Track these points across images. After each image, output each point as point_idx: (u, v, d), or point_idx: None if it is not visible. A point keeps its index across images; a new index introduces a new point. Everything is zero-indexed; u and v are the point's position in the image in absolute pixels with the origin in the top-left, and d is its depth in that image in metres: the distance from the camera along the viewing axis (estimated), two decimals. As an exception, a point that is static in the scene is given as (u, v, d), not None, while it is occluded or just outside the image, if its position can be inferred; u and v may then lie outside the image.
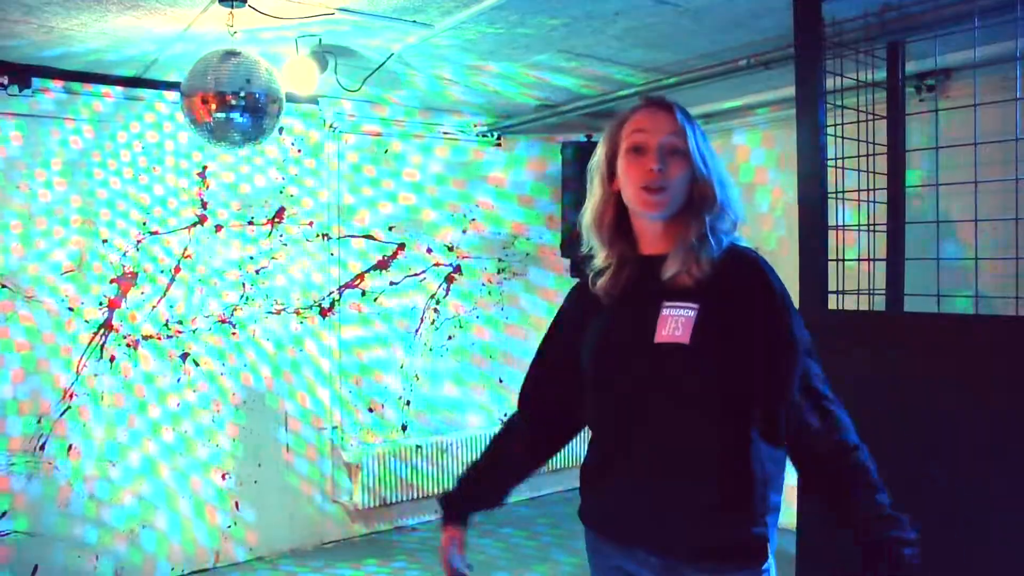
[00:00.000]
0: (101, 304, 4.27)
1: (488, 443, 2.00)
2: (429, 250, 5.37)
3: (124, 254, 4.32)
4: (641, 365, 1.63)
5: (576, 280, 1.91)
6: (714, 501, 1.58)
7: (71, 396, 4.17)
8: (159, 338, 4.44)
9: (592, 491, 1.77)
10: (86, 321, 4.22)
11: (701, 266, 1.61)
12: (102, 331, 4.27)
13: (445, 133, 5.42)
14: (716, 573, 1.58)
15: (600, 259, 1.77)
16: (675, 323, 1.59)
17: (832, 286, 2.96)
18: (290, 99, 4.36)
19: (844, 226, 3.03)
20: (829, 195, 2.94)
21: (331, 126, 4.97)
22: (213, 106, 2.99)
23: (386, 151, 5.20)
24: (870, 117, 3.14)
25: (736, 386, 1.58)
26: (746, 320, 1.58)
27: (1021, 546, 2.37)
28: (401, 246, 5.26)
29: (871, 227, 3.15)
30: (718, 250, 1.63)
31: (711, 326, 1.57)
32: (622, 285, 1.71)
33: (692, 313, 1.58)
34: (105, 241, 4.27)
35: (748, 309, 1.59)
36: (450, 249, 5.45)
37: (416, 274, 5.32)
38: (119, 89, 4.27)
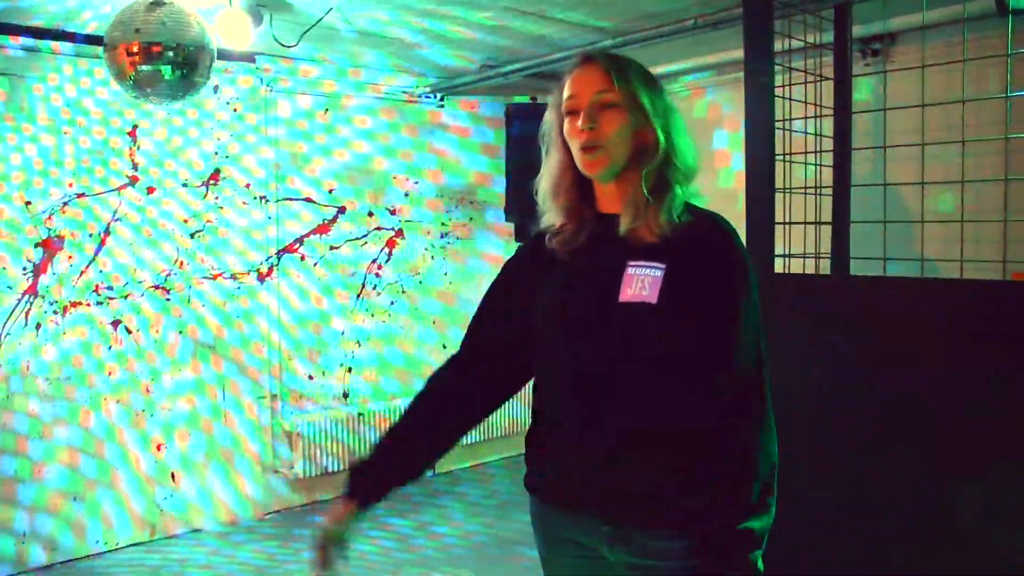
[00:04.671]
0: (25, 270, 4.08)
1: (415, 405, 1.79)
2: (370, 213, 5.25)
3: (49, 217, 4.13)
4: (604, 325, 1.57)
5: (523, 241, 1.82)
6: (673, 468, 1.54)
7: (-6, 366, 3.99)
8: (88, 305, 4.26)
9: (543, 458, 1.70)
10: (9, 287, 4.03)
11: (658, 220, 1.55)
12: (27, 298, 4.08)
13: (387, 94, 5.28)
14: (672, 540, 1.54)
15: (551, 220, 1.70)
16: (641, 282, 1.53)
17: (778, 249, 2.95)
18: (225, 56, 4.21)
19: (791, 189, 3.01)
20: (776, 157, 2.92)
21: (269, 85, 4.80)
22: (139, 59, 2.83)
23: (326, 111, 5.05)
24: (818, 78, 3.12)
25: (698, 351, 1.53)
26: (707, 285, 1.54)
27: (965, 506, 2.39)
28: (342, 209, 5.13)
29: (817, 190, 3.14)
30: (676, 207, 1.57)
31: (677, 288, 1.52)
32: (581, 243, 1.65)
33: (659, 273, 1.52)
34: (28, 203, 4.07)
35: (711, 274, 1.54)
36: (392, 212, 5.34)
37: (357, 238, 5.20)
38: (43, 42, 4.04)
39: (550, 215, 1.70)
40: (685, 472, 1.54)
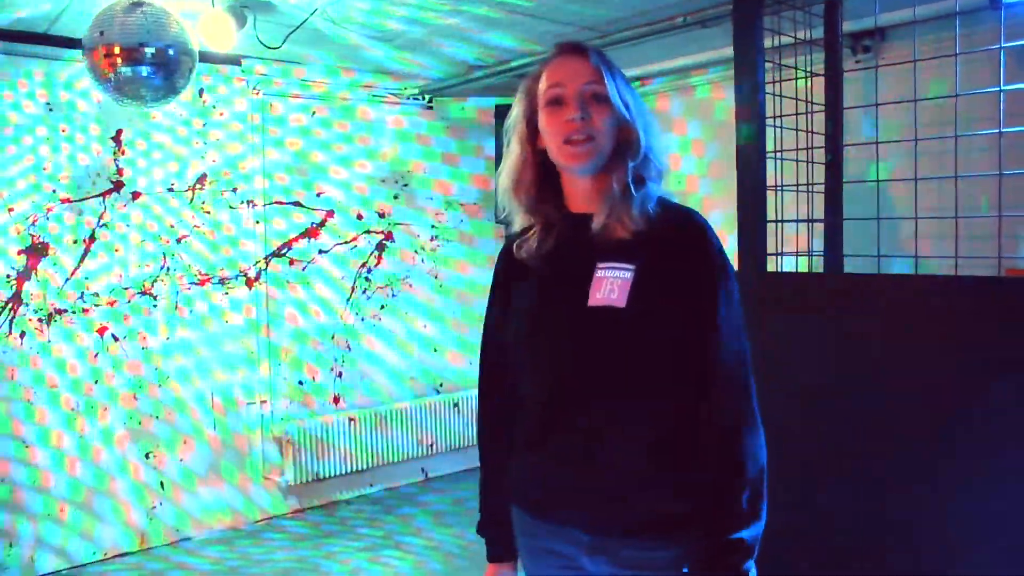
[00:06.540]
0: (9, 277, 4.02)
1: (483, 448, 1.79)
2: (360, 216, 5.20)
3: (32, 224, 4.07)
4: (574, 331, 1.53)
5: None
6: (652, 474, 1.50)
7: (-22, 375, 3.94)
8: (74, 312, 4.21)
9: (522, 467, 1.66)
10: (-8, 295, 3.98)
11: (632, 217, 1.51)
12: (10, 306, 4.03)
13: (374, 95, 5.24)
14: (650, 550, 1.50)
15: (519, 223, 1.66)
16: (610, 285, 1.49)
17: (770, 248, 2.92)
18: (211, 59, 4.17)
19: (783, 186, 2.98)
20: (768, 155, 2.89)
21: (255, 88, 4.76)
22: (119, 60, 2.78)
23: (313, 114, 5.01)
24: (808, 75, 3.09)
25: (675, 352, 1.50)
26: (682, 283, 1.50)
27: (964, 503, 2.36)
28: (330, 212, 5.08)
29: (809, 187, 3.11)
30: (649, 201, 1.53)
31: (648, 289, 1.48)
32: (551, 247, 1.60)
33: (628, 275, 1.49)
34: (11, 211, 4.01)
35: (685, 271, 1.50)
36: (381, 215, 5.30)
37: (347, 241, 5.16)
38: (24, 46, 3.99)
39: (512, 214, 1.66)
40: (667, 479, 1.50)
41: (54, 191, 4.13)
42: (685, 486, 1.49)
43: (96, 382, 4.27)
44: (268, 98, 4.82)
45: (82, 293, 4.23)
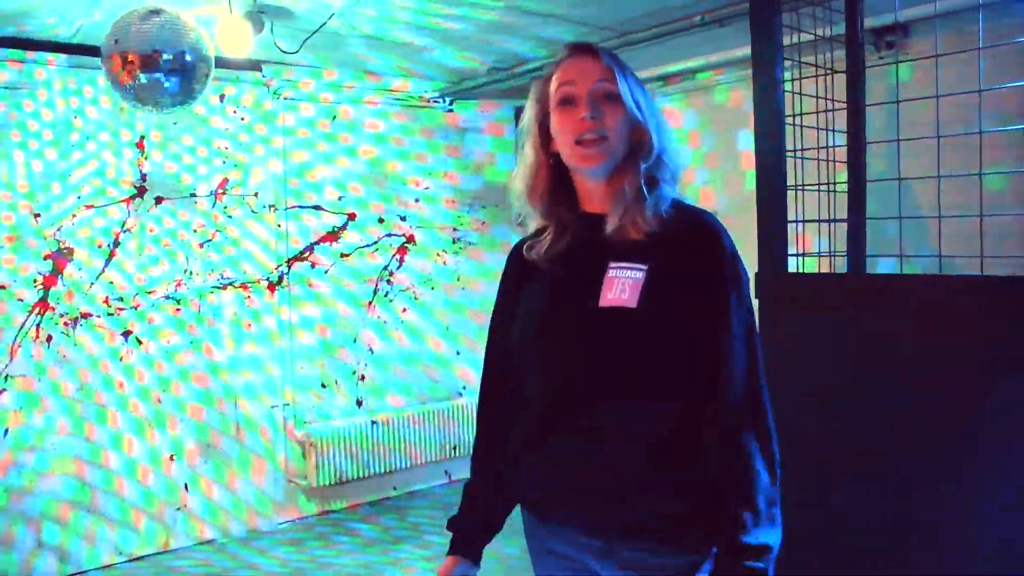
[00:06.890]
0: (35, 282, 4.07)
1: (478, 451, 1.77)
2: (380, 221, 5.21)
3: (58, 229, 4.12)
4: (585, 331, 1.51)
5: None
6: (651, 474, 1.48)
7: (6, 380, 3.97)
8: (99, 316, 4.25)
9: (527, 469, 1.63)
10: (19, 301, 4.02)
11: (645, 218, 1.49)
12: (37, 311, 4.07)
13: (395, 99, 5.24)
14: (651, 553, 1.48)
15: (533, 225, 1.65)
16: (622, 285, 1.48)
17: (791, 249, 2.87)
18: (232, 65, 4.19)
19: (803, 186, 2.94)
20: (788, 154, 2.85)
21: (276, 93, 4.78)
22: (135, 67, 2.80)
23: (334, 118, 5.02)
24: (828, 72, 3.05)
25: (685, 353, 1.48)
26: (693, 285, 1.48)
27: (982, 504, 2.32)
28: (351, 217, 5.09)
29: (831, 186, 3.06)
30: (663, 203, 1.52)
31: (660, 289, 1.46)
32: (564, 247, 1.59)
33: (640, 275, 1.47)
34: (37, 216, 4.06)
35: (696, 273, 1.48)
36: (402, 219, 5.30)
37: (367, 245, 5.17)
38: (48, 55, 4.04)
39: (527, 217, 1.66)
40: (667, 479, 1.48)
41: (79, 197, 4.17)
42: (685, 486, 1.47)
43: (120, 385, 4.30)
44: (288, 102, 4.84)
45: (106, 298, 4.27)
